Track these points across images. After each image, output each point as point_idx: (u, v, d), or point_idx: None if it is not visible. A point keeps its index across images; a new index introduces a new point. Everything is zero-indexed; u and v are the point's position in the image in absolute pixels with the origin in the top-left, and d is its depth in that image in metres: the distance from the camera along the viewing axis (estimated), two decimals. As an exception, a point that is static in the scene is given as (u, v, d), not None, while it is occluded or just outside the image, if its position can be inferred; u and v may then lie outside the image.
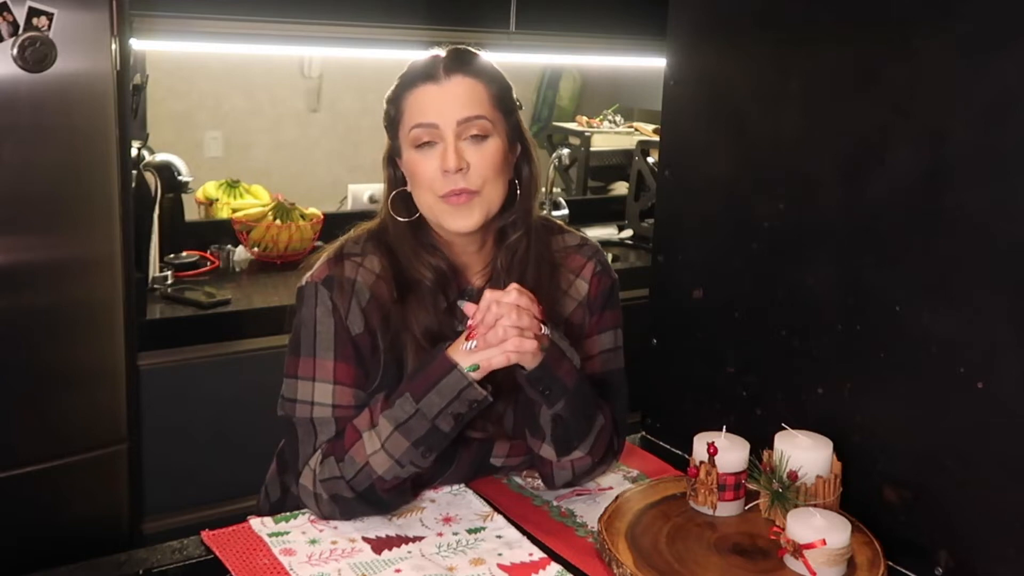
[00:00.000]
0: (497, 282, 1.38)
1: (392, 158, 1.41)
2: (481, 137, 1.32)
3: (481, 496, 1.44)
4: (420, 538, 1.31)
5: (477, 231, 1.36)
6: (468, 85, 1.33)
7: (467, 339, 1.27)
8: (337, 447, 1.32)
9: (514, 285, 1.28)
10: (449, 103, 1.32)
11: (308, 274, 1.39)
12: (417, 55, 1.37)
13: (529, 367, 1.28)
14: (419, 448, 1.29)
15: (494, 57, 1.40)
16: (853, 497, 1.36)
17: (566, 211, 3.17)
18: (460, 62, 1.34)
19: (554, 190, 3.46)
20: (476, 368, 1.25)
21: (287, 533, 1.31)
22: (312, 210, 2.80)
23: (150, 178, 2.42)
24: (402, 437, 1.28)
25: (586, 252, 1.51)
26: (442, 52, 1.36)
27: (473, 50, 1.38)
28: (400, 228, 1.39)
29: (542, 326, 1.28)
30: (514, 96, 1.40)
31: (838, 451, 1.36)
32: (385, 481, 1.30)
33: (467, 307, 1.29)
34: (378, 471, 1.29)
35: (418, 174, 1.34)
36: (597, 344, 1.49)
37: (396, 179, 1.41)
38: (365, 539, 1.30)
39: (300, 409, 1.35)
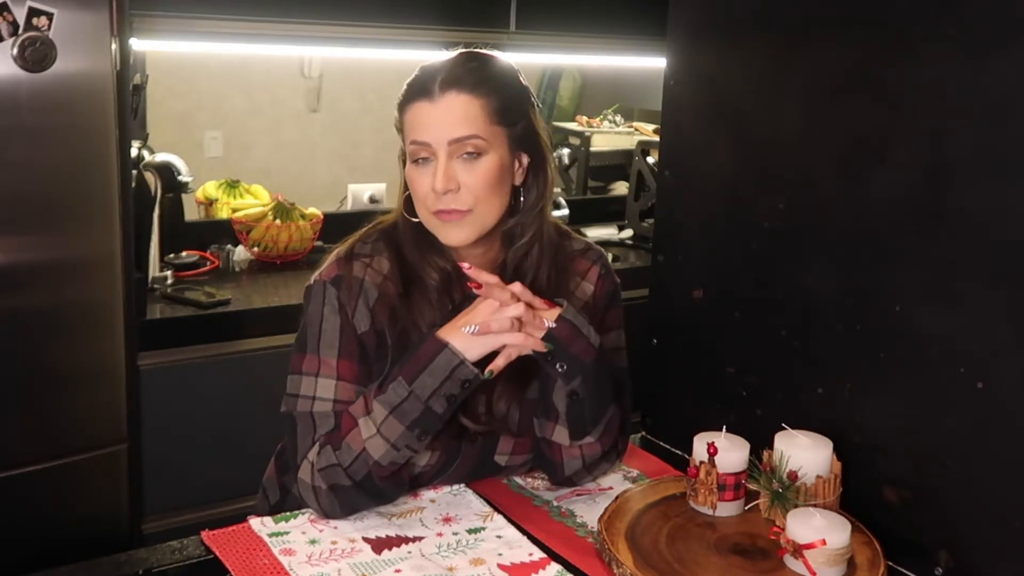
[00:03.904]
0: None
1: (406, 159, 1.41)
2: (475, 155, 1.32)
3: (481, 496, 1.44)
4: (420, 538, 1.31)
5: (476, 240, 1.36)
6: (462, 102, 1.31)
7: (468, 323, 1.28)
8: (334, 436, 1.32)
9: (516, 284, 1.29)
10: (441, 123, 1.30)
11: (317, 272, 1.40)
12: (417, 56, 1.37)
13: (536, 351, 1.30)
14: (414, 431, 1.29)
15: (495, 58, 1.40)
16: (853, 497, 1.36)
17: (566, 211, 3.16)
18: (458, 75, 1.32)
19: (554, 190, 3.45)
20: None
21: (287, 533, 1.31)
22: (312, 210, 2.80)
23: (150, 178, 2.42)
24: (397, 421, 1.28)
25: (591, 256, 1.52)
26: (454, 54, 1.35)
27: (482, 54, 1.37)
28: (410, 227, 1.40)
29: (545, 320, 1.29)
30: (531, 98, 1.39)
31: (838, 451, 1.36)
32: (382, 467, 1.31)
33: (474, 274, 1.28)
34: (374, 456, 1.30)
35: (414, 189, 1.35)
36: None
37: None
38: (365, 539, 1.30)
39: (301, 404, 1.35)
